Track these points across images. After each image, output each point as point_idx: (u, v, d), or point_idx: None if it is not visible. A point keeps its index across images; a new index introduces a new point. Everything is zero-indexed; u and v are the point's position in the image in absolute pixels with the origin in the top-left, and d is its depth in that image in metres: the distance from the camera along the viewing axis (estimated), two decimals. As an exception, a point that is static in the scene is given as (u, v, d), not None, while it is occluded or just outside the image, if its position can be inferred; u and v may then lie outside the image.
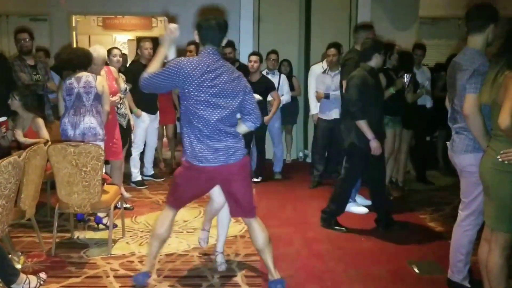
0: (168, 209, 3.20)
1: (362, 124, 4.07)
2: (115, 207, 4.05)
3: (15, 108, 4.45)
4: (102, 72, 4.59)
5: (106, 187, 3.92)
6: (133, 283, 3.24)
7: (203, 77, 2.88)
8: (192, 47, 6.10)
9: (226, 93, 2.93)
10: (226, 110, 2.93)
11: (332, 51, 5.61)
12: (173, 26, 3.08)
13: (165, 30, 3.09)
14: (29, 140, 4.24)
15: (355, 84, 4.11)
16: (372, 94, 4.11)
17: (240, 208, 3.13)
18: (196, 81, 2.88)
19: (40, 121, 4.38)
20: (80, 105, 4.17)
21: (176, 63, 2.90)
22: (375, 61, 4.20)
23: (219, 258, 3.55)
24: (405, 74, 5.01)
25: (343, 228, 4.36)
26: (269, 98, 6.02)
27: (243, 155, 3.05)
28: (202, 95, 2.88)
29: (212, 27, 2.97)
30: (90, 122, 4.14)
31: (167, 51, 3.10)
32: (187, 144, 2.98)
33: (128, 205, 4.87)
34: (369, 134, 4.07)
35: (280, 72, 6.63)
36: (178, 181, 3.13)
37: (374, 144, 4.09)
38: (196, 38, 3.03)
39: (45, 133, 4.36)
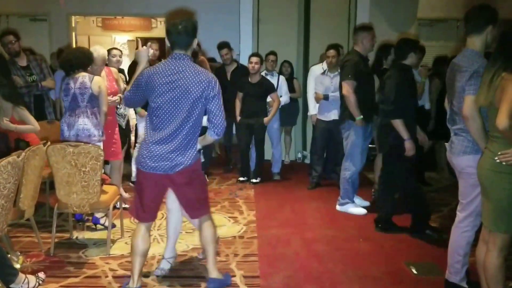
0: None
1: (399, 123, 4.05)
2: (114, 207, 4.05)
3: None
4: (103, 73, 4.59)
5: (105, 187, 3.93)
6: None
7: (164, 84, 2.87)
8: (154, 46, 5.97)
9: (186, 98, 2.87)
10: (183, 116, 2.89)
11: (332, 52, 5.62)
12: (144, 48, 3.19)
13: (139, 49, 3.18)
14: (20, 127, 4.10)
15: (392, 83, 4.10)
16: (408, 93, 4.10)
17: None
18: (157, 87, 2.87)
19: (23, 110, 4.25)
20: (76, 106, 4.17)
21: (140, 74, 2.96)
22: (410, 60, 4.20)
23: (163, 264, 3.47)
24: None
25: (398, 228, 4.31)
26: (269, 99, 6.04)
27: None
28: (159, 100, 2.87)
29: (179, 31, 2.91)
30: (84, 123, 4.14)
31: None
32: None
33: (127, 205, 4.87)
34: (404, 133, 4.04)
35: (281, 74, 6.64)
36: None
37: (409, 145, 4.06)
38: (167, 42, 3.00)
39: (31, 120, 4.24)
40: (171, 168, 2.92)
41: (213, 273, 3.19)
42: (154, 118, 2.92)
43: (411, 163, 4.14)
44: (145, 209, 3.05)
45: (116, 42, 11.95)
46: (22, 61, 5.15)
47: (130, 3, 8.46)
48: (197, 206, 3.14)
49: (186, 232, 4.30)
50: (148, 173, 2.96)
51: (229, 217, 4.76)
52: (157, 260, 3.69)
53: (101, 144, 4.18)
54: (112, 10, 9.02)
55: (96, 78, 4.21)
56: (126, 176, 6.00)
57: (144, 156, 2.94)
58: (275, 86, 6.15)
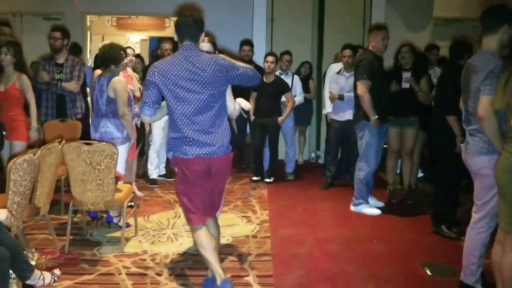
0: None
1: (453, 120, 4.03)
2: (128, 206, 4.08)
3: (6, 64, 4.35)
4: (121, 74, 4.62)
5: (119, 185, 3.95)
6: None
7: (182, 73, 2.87)
8: (167, 46, 5.95)
9: (211, 84, 2.90)
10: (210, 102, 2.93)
11: (347, 52, 5.59)
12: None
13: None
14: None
15: (450, 81, 4.07)
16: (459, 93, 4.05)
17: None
18: (173, 78, 2.86)
19: (28, 81, 4.27)
20: (98, 108, 4.21)
21: (149, 72, 2.91)
22: (464, 60, 4.18)
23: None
24: (403, 73, 5.00)
25: (453, 234, 4.20)
26: (283, 99, 6.03)
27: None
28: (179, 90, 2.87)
29: (189, 23, 2.95)
30: (106, 126, 4.17)
31: None
32: None
33: (131, 203, 4.88)
34: (457, 130, 4.02)
35: (299, 74, 6.63)
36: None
37: (460, 141, 4.03)
38: (175, 37, 3.01)
39: (30, 96, 4.35)
40: (214, 152, 2.92)
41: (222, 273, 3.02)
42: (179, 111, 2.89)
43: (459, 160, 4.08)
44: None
45: (129, 41, 12.02)
46: (61, 59, 5.18)
47: (144, 2, 8.48)
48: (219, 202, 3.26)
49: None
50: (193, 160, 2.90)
51: (242, 216, 4.76)
52: (170, 259, 3.70)
53: (125, 146, 4.20)
54: (126, 9, 9.07)
55: (114, 80, 4.14)
56: (141, 175, 6.04)
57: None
58: (290, 86, 6.14)
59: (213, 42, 3.56)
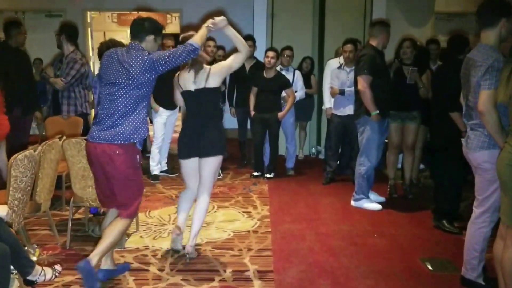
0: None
1: (457, 116, 4.00)
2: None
3: None
4: None
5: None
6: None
7: None
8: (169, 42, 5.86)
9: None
10: None
11: (349, 47, 5.57)
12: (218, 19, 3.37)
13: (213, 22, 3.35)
14: None
15: (453, 77, 4.07)
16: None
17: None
18: None
19: None
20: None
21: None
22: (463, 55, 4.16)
23: (190, 248, 3.56)
24: (411, 68, 4.98)
25: (455, 230, 4.20)
26: (283, 94, 6.02)
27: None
28: None
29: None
30: None
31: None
32: None
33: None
34: (462, 126, 3.95)
35: (301, 69, 6.62)
36: None
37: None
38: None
39: None
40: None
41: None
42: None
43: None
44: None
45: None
46: (65, 55, 5.16)
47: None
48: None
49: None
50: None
51: (243, 211, 4.77)
52: (171, 253, 3.71)
53: None
54: (127, 5, 9.07)
55: None
56: (143, 171, 6.03)
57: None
58: (291, 81, 6.13)
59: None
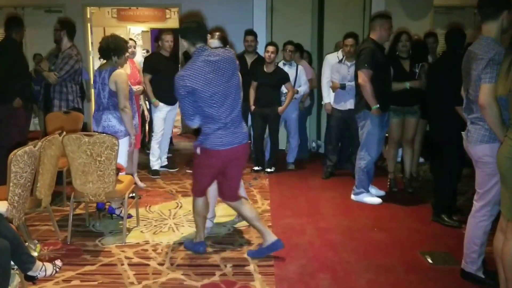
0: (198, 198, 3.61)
1: (460, 110, 3.98)
2: (129, 196, 4.08)
3: None
4: (127, 64, 4.61)
5: (120, 176, 3.96)
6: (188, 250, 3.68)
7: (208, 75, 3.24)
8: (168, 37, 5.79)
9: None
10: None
11: (350, 41, 5.54)
12: None
13: None
14: None
15: (456, 71, 4.04)
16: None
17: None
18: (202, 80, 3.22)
19: None
20: (100, 101, 4.18)
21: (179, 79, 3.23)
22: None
23: (208, 224, 3.88)
24: (416, 64, 4.96)
25: (455, 223, 4.19)
26: (284, 89, 6.01)
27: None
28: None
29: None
30: (108, 120, 4.14)
31: None
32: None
33: (133, 194, 4.90)
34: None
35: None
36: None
37: None
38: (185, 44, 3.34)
39: None
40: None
41: (272, 236, 3.58)
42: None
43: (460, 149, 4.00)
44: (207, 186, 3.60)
45: (131, 33, 12.00)
46: (61, 50, 5.18)
47: (144, -6, 8.48)
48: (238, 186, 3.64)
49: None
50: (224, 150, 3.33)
51: (243, 206, 4.76)
52: (172, 248, 3.72)
53: (127, 139, 4.18)
54: (127, 1, 9.04)
55: (115, 73, 4.09)
56: (143, 166, 6.05)
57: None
58: (294, 76, 6.12)
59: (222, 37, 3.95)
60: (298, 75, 6.24)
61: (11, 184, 3.02)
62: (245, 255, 3.61)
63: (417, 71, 4.95)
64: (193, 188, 3.66)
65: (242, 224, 4.25)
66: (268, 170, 6.04)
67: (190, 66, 3.23)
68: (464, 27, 5.04)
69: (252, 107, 6.02)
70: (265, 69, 5.92)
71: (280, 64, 6.13)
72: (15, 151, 3.02)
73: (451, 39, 4.33)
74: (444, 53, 4.36)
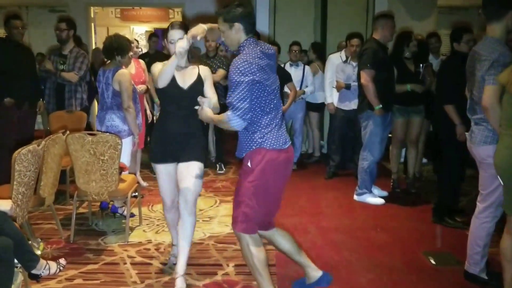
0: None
1: (450, 109, 3.99)
2: (132, 195, 4.10)
3: None
4: (132, 63, 4.62)
5: (123, 176, 3.97)
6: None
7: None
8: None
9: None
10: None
11: (355, 41, 5.53)
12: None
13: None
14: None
15: (449, 69, 4.07)
16: (460, 80, 3.69)
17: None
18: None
19: None
20: (103, 101, 4.18)
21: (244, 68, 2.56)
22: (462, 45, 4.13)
23: (180, 282, 3.02)
24: (420, 65, 4.95)
25: (459, 224, 4.16)
26: (286, 89, 6.01)
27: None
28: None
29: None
30: (112, 119, 4.13)
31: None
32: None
33: (136, 193, 4.91)
34: (456, 119, 3.96)
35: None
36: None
37: (460, 130, 3.93)
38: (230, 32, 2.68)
39: None
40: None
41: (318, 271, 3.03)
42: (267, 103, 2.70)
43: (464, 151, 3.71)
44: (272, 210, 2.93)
45: (134, 32, 12.01)
46: (66, 50, 5.18)
47: (148, -7, 8.50)
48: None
49: (203, 221, 4.33)
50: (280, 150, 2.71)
51: (246, 206, 4.77)
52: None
53: (130, 139, 4.18)
54: (130, 0, 9.06)
55: (119, 73, 4.08)
56: (145, 165, 6.05)
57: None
58: (301, 76, 6.12)
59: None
60: (305, 75, 6.24)
61: (15, 182, 3.04)
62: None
63: (421, 71, 4.94)
64: (238, 222, 2.74)
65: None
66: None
67: (251, 55, 2.59)
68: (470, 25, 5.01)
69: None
70: (267, 69, 5.91)
71: (287, 65, 6.14)
72: (19, 149, 3.03)
73: (451, 37, 4.28)
74: (452, 52, 4.31)
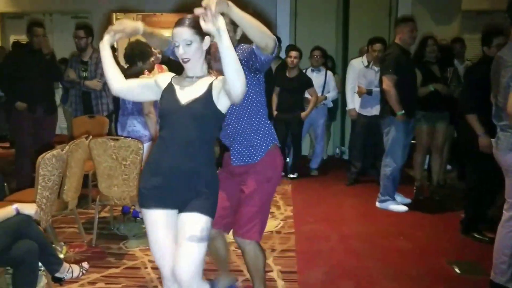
0: None
1: (473, 119, 3.84)
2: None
3: None
4: (155, 70, 4.65)
5: (144, 180, 3.98)
6: None
7: None
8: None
9: None
10: None
11: (378, 46, 5.48)
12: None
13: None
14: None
15: (473, 76, 3.97)
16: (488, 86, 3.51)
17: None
18: None
19: None
20: (124, 107, 4.21)
21: None
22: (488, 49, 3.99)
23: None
24: (448, 68, 4.87)
25: (486, 238, 3.98)
26: (307, 95, 5.99)
27: None
28: None
29: None
30: (133, 125, 4.16)
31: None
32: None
33: None
34: (478, 129, 3.79)
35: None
36: None
37: (483, 141, 3.73)
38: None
39: None
40: None
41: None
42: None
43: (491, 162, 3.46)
44: None
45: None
46: (86, 57, 5.23)
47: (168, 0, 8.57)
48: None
49: (224, 226, 4.32)
50: None
51: (266, 212, 4.75)
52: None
53: (150, 145, 4.19)
54: (152, 7, 9.16)
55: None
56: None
57: None
58: (323, 82, 6.10)
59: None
60: (327, 81, 6.22)
61: (39, 186, 3.08)
62: (269, 261, 3.58)
63: (448, 76, 4.86)
64: (256, 232, 2.66)
65: (265, 230, 4.23)
66: (291, 176, 6.02)
67: None
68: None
69: (275, 113, 6.01)
70: (287, 74, 5.91)
71: (308, 71, 6.12)
72: (43, 154, 3.08)
73: (481, 41, 4.12)
74: (482, 57, 4.18)
